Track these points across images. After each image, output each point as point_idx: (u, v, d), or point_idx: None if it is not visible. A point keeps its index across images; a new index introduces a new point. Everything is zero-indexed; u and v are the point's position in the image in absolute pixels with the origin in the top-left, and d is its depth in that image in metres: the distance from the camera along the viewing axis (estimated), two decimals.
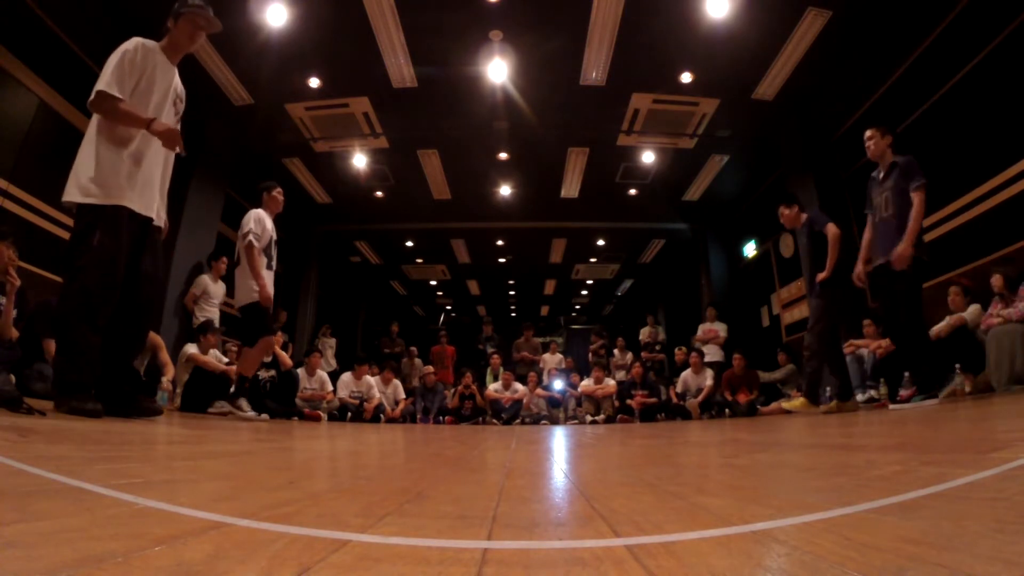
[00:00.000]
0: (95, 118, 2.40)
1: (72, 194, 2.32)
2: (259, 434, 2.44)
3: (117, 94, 2.33)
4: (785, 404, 4.18)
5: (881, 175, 3.58)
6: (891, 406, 3.63)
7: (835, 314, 3.96)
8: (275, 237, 3.99)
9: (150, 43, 2.51)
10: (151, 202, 2.51)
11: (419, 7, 4.80)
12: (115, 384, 2.42)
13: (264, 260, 3.79)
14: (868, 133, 3.64)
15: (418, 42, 5.23)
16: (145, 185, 2.47)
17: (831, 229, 3.90)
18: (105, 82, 2.32)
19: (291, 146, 7.03)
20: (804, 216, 4.23)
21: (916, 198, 3.28)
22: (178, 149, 2.55)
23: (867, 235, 3.70)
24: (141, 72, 2.43)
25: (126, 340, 2.52)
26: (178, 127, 2.63)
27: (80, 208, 2.32)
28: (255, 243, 3.70)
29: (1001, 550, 0.42)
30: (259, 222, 3.79)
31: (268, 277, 3.84)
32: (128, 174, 2.39)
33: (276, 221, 4.07)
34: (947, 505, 0.61)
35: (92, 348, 2.26)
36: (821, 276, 3.88)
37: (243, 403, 3.70)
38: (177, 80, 2.69)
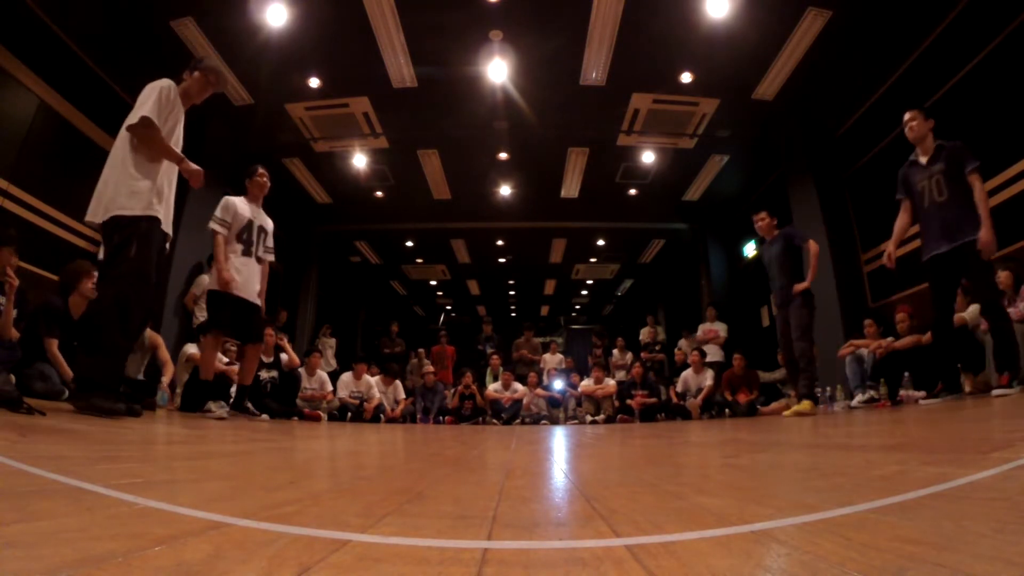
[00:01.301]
0: (125, 139, 2.55)
1: (110, 208, 2.46)
2: (259, 434, 2.44)
3: (159, 124, 2.56)
4: (789, 412, 4.21)
5: (924, 160, 3.43)
6: (923, 401, 3.57)
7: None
8: (260, 223, 3.82)
9: (176, 86, 2.75)
10: (170, 221, 2.71)
11: (419, 7, 4.80)
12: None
13: (239, 247, 3.65)
14: (909, 115, 3.49)
15: (418, 42, 5.23)
16: (169, 205, 2.70)
17: (813, 246, 4.29)
18: (148, 109, 2.53)
19: (291, 146, 7.03)
20: (777, 229, 4.50)
21: (977, 182, 3.18)
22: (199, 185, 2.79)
23: (902, 220, 3.56)
24: (171, 109, 2.68)
25: None
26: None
27: (115, 221, 2.46)
28: (217, 229, 3.59)
29: (1001, 550, 0.43)
30: (227, 208, 3.66)
31: (247, 265, 3.67)
32: (159, 191, 2.60)
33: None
34: (947, 505, 0.61)
35: (121, 352, 2.45)
36: (803, 286, 4.17)
37: (212, 405, 3.55)
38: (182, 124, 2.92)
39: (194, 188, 2.82)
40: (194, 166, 2.68)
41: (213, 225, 3.60)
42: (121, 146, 2.56)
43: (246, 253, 3.69)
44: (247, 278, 3.66)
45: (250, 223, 3.74)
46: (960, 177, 3.24)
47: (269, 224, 3.94)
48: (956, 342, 3.46)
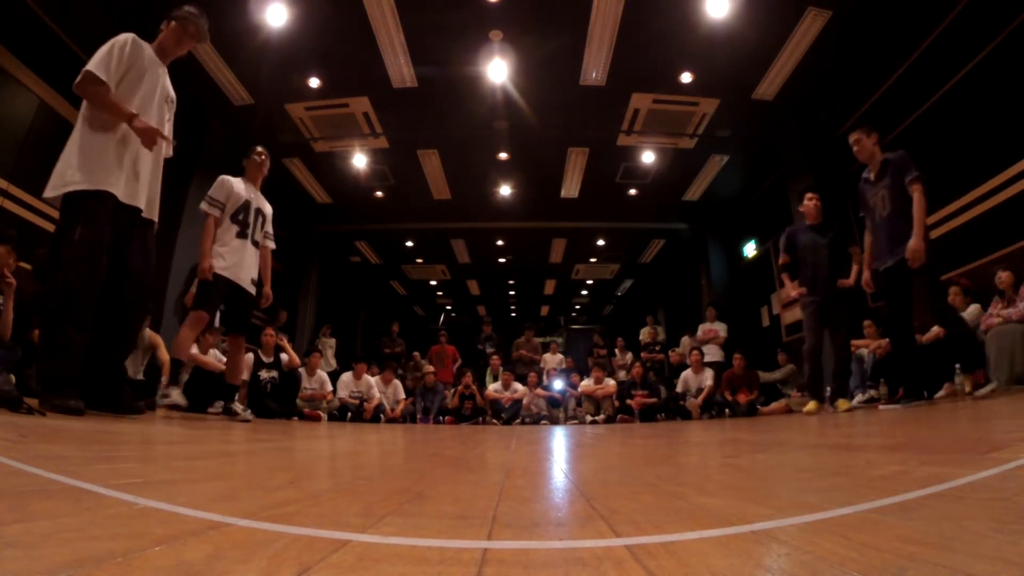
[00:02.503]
0: (82, 110, 2.37)
1: (56, 187, 2.27)
2: (259, 434, 2.44)
3: (103, 78, 2.30)
4: (807, 408, 4.16)
5: (873, 175, 3.49)
6: (881, 407, 3.62)
7: None
8: (258, 205, 3.59)
9: (141, 41, 2.51)
10: (138, 192, 2.45)
11: (419, 7, 4.80)
12: (100, 381, 2.40)
13: (234, 228, 3.42)
14: (853, 137, 3.53)
15: (418, 42, 5.23)
16: (132, 174, 2.42)
17: (858, 251, 4.16)
18: (93, 64, 2.30)
19: (291, 146, 7.03)
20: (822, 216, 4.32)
21: (916, 192, 3.18)
22: (167, 150, 2.58)
23: (868, 239, 3.61)
24: (129, 65, 2.42)
25: (111, 337, 2.47)
26: (169, 128, 2.65)
27: (63, 200, 2.27)
28: (208, 210, 3.39)
29: (1001, 550, 0.42)
30: (220, 187, 3.43)
31: (242, 248, 3.43)
32: (115, 158, 2.34)
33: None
34: (947, 505, 0.61)
35: (75, 345, 2.22)
36: (849, 282, 4.04)
37: (173, 392, 3.28)
38: (168, 83, 2.67)
39: (147, 149, 2.45)
40: (145, 123, 2.37)
41: (204, 206, 3.40)
42: (77, 120, 2.36)
43: (241, 235, 3.44)
44: (240, 262, 3.41)
45: (247, 203, 3.51)
46: (904, 189, 3.25)
47: (268, 209, 3.71)
48: (915, 352, 3.47)
